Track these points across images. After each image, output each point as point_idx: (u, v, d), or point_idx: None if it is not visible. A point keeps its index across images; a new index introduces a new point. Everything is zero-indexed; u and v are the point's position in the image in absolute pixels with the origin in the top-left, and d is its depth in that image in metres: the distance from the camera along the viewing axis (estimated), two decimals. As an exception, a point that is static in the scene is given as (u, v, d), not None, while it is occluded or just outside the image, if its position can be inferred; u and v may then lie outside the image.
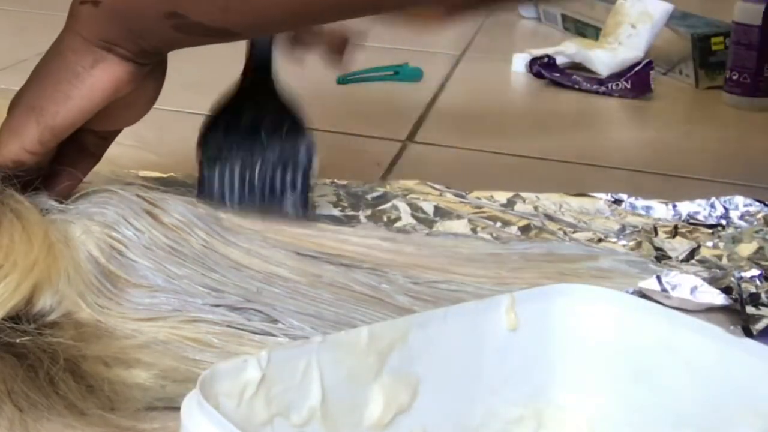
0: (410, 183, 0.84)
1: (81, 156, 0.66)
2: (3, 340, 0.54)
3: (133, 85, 0.63)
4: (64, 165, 0.65)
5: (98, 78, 0.62)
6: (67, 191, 0.65)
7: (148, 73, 0.64)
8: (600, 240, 0.76)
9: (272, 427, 0.42)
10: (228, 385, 0.41)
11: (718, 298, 0.67)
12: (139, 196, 0.65)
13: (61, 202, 0.63)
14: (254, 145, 0.73)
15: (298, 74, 1.26)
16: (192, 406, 0.39)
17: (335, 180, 0.84)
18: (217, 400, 0.40)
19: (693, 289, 0.67)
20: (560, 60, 1.29)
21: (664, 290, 0.67)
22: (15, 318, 0.55)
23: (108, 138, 0.67)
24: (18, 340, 0.54)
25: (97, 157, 0.67)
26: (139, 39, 0.62)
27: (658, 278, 0.67)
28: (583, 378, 0.50)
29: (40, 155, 0.64)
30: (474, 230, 0.76)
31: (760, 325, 0.64)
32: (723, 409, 0.46)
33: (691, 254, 0.73)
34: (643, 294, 0.66)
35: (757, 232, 0.76)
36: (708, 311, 0.67)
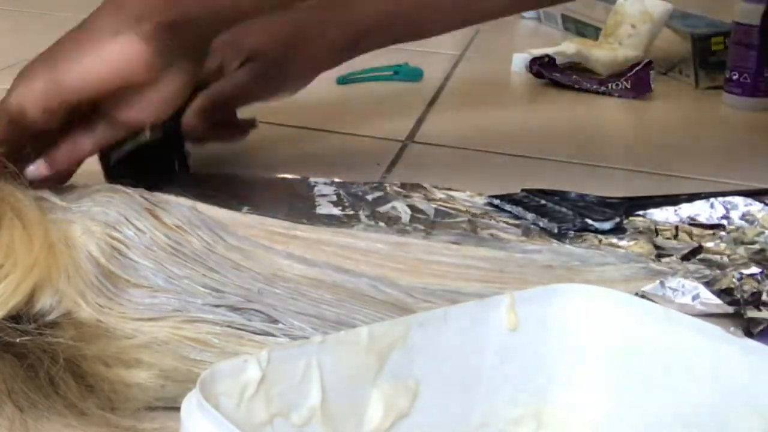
0: (410, 183, 0.84)
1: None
2: (3, 339, 0.54)
3: (147, 72, 0.63)
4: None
5: (115, 49, 0.63)
6: (65, 162, 0.66)
7: (167, 67, 0.64)
8: (600, 240, 0.76)
9: (272, 427, 0.42)
10: (228, 385, 0.41)
11: (721, 307, 0.67)
12: (141, 196, 0.65)
13: (60, 195, 0.64)
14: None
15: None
16: (192, 406, 0.39)
17: (335, 179, 0.84)
18: (217, 400, 0.40)
19: (695, 297, 0.67)
20: (560, 60, 1.29)
21: (665, 296, 0.67)
22: (15, 318, 0.55)
23: (118, 129, 0.68)
24: (18, 340, 0.54)
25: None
26: (173, 5, 0.63)
27: (661, 283, 0.67)
28: (583, 378, 0.50)
29: (42, 111, 0.63)
30: (474, 231, 0.76)
31: (760, 328, 0.64)
32: (723, 409, 0.46)
33: (692, 254, 0.74)
34: (644, 298, 0.66)
35: (758, 234, 0.76)
36: (707, 314, 0.67)
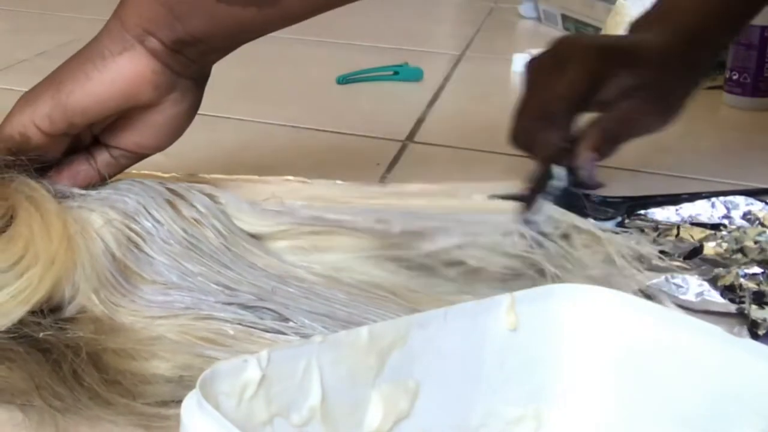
0: (411, 186, 0.83)
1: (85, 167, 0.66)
2: (27, 335, 0.54)
3: (154, 90, 0.63)
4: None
5: (122, 66, 0.62)
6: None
7: (172, 88, 0.64)
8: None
9: (272, 427, 0.42)
10: (228, 385, 0.41)
11: (724, 306, 0.66)
12: (161, 185, 0.65)
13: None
14: None
15: (299, 74, 1.26)
16: (192, 406, 0.39)
17: (337, 181, 0.84)
18: (217, 400, 0.40)
19: (698, 294, 0.67)
20: (560, 60, 1.28)
21: (670, 291, 0.67)
22: (33, 312, 0.56)
23: (119, 158, 0.67)
24: (41, 335, 0.55)
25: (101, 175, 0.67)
26: (177, 21, 0.61)
27: (666, 278, 0.67)
28: (583, 378, 0.50)
29: (47, 136, 0.63)
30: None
31: (765, 330, 0.64)
32: (723, 409, 0.46)
33: (694, 253, 0.73)
34: (646, 295, 0.66)
35: (759, 234, 0.76)
36: (710, 312, 0.66)
